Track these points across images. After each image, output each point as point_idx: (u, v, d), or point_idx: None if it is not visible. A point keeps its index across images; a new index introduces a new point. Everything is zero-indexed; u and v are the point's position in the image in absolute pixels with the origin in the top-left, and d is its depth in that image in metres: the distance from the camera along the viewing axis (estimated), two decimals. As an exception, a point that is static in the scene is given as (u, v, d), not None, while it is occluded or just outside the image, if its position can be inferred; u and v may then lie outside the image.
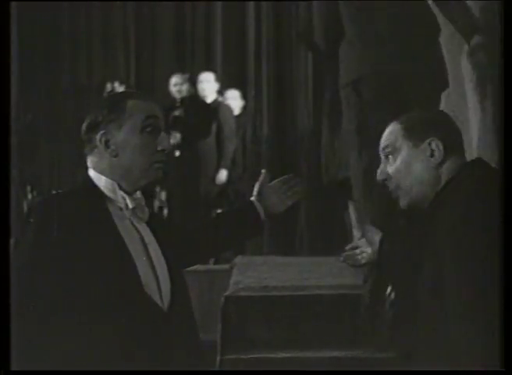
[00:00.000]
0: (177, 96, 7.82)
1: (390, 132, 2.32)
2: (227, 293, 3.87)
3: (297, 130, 8.89)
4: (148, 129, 2.27)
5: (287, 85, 8.98)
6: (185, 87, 7.81)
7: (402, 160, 2.27)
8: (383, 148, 2.32)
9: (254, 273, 4.55)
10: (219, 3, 9.02)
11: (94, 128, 2.28)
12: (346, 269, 5.35)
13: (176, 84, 7.84)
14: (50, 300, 2.13)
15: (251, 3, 9.00)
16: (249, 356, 3.60)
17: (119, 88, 8.57)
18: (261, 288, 3.98)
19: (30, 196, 7.67)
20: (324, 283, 4.20)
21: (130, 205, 2.27)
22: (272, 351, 3.62)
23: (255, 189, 2.68)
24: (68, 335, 2.13)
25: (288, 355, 3.61)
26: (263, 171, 2.73)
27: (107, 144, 2.26)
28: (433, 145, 2.24)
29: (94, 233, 2.19)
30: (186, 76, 7.87)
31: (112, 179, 2.27)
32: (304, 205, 8.70)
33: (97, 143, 2.27)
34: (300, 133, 8.86)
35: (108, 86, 8.57)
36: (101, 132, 2.26)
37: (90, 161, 2.31)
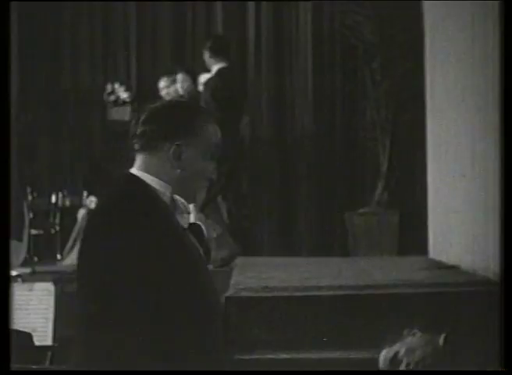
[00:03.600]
0: (166, 99, 7.82)
1: None
2: (228, 294, 3.87)
3: (297, 130, 8.90)
4: (213, 156, 2.32)
5: (287, 85, 8.98)
6: (172, 89, 7.80)
7: None
8: None
9: (255, 274, 4.56)
10: (219, 3, 9.02)
11: (166, 136, 2.27)
12: (346, 269, 5.36)
13: (164, 87, 7.84)
14: (123, 300, 2.13)
15: (251, 3, 9.00)
16: (249, 357, 3.60)
17: (119, 89, 8.58)
18: (261, 289, 3.99)
19: (30, 197, 7.67)
20: (324, 283, 4.21)
21: (189, 209, 2.31)
22: (272, 352, 3.63)
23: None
24: (140, 333, 2.14)
25: (288, 355, 3.62)
26: None
27: (179, 156, 2.27)
28: None
29: (165, 232, 2.20)
30: (173, 77, 7.86)
31: (166, 182, 2.28)
32: (304, 206, 8.71)
33: (168, 151, 2.26)
34: (300, 133, 8.87)
35: (109, 87, 8.58)
36: (177, 143, 2.26)
37: (144, 161, 2.29)
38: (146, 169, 2.28)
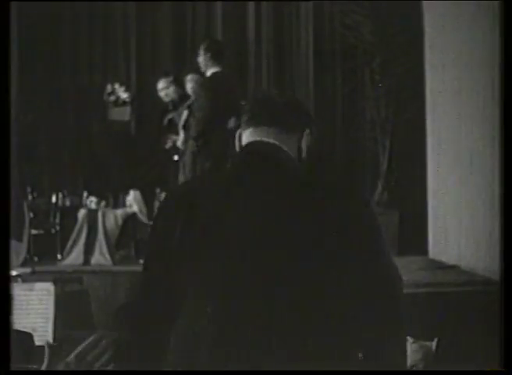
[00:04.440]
0: (165, 100, 7.83)
1: None
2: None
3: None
4: None
5: (288, 85, 8.99)
6: (171, 90, 7.80)
7: None
8: None
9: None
10: (219, 3, 9.02)
11: (305, 123, 2.29)
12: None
13: (163, 89, 7.84)
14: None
15: (251, 3, 9.01)
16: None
17: (119, 89, 8.58)
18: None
19: (30, 197, 7.67)
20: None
21: None
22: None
23: None
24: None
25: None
26: None
27: (307, 142, 2.30)
28: None
29: None
30: (171, 78, 7.86)
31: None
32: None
33: (301, 135, 2.28)
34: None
35: (109, 87, 8.58)
36: (308, 131, 2.29)
37: (276, 135, 2.24)
38: (279, 141, 2.23)
